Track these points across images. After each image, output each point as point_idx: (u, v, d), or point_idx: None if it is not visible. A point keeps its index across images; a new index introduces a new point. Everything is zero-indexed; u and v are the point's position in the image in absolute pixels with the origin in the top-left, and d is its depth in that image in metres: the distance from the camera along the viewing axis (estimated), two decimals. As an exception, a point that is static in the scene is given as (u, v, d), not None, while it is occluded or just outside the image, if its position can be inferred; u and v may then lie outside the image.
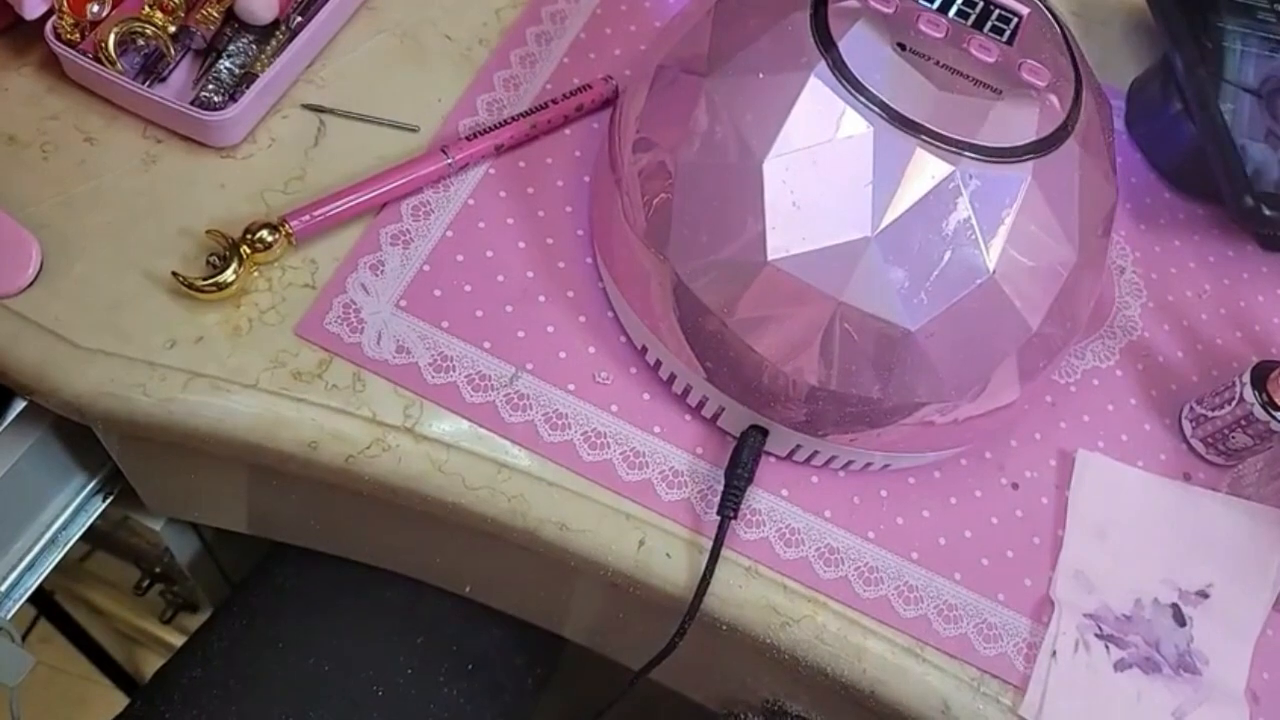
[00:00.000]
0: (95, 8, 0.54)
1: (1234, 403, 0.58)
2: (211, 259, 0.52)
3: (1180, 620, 0.55)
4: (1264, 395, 0.57)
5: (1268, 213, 0.62)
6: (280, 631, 0.66)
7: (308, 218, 0.52)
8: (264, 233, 0.51)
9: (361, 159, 0.57)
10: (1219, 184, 0.64)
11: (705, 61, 0.49)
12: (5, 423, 0.54)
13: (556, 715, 1.03)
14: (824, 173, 0.46)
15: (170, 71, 0.56)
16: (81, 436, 0.57)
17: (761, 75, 0.47)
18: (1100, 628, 0.54)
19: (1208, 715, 0.53)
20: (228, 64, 0.56)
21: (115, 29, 0.53)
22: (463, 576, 0.64)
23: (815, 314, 0.46)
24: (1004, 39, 0.49)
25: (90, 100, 0.55)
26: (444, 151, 0.56)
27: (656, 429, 0.53)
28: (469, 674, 0.67)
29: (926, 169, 0.45)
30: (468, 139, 0.57)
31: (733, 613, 0.51)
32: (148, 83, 0.55)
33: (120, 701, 0.81)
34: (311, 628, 0.66)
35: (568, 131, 0.61)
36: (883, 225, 0.45)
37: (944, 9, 0.49)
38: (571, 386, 0.53)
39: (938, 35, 0.48)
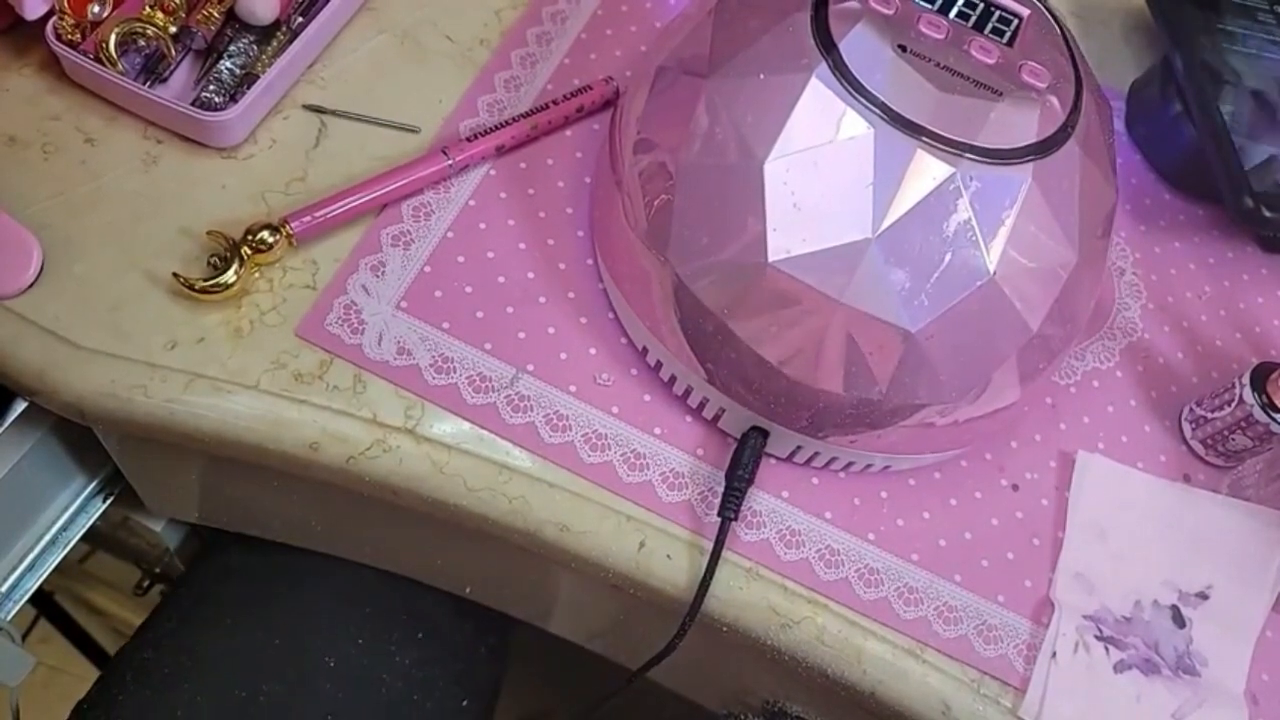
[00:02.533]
0: (96, 8, 0.54)
1: (1234, 404, 0.58)
2: (212, 260, 0.52)
3: (1180, 622, 0.56)
4: (1264, 397, 0.57)
5: (1267, 213, 0.62)
6: (228, 609, 0.67)
7: (309, 218, 0.52)
8: (265, 234, 0.51)
9: (362, 160, 0.57)
10: (1219, 184, 0.64)
11: (706, 62, 0.49)
12: (6, 424, 0.54)
13: (559, 713, 1.03)
14: (825, 174, 0.46)
15: (171, 72, 0.56)
16: (82, 437, 0.57)
17: (762, 76, 0.47)
18: (1100, 629, 0.54)
19: (1207, 716, 0.53)
20: (228, 64, 0.56)
21: (116, 29, 0.53)
22: (463, 577, 0.64)
23: (816, 315, 0.46)
24: (1004, 40, 0.49)
25: (91, 101, 0.55)
26: (444, 152, 0.56)
27: (657, 430, 0.53)
28: (420, 642, 0.68)
29: (927, 170, 0.45)
30: (468, 140, 0.57)
31: (733, 614, 0.51)
32: (148, 83, 0.55)
33: (120, 702, 0.81)
34: (259, 603, 0.67)
35: (568, 132, 0.61)
36: (883, 227, 0.45)
37: (944, 10, 0.49)
38: (572, 388, 0.53)
39: (938, 37, 0.48)
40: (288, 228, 0.52)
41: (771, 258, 0.46)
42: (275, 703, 0.62)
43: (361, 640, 0.66)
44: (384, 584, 0.68)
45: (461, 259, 0.55)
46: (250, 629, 0.65)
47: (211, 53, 0.57)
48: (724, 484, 0.52)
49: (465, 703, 0.69)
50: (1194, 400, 0.61)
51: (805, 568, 0.52)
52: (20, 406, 0.54)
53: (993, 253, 0.46)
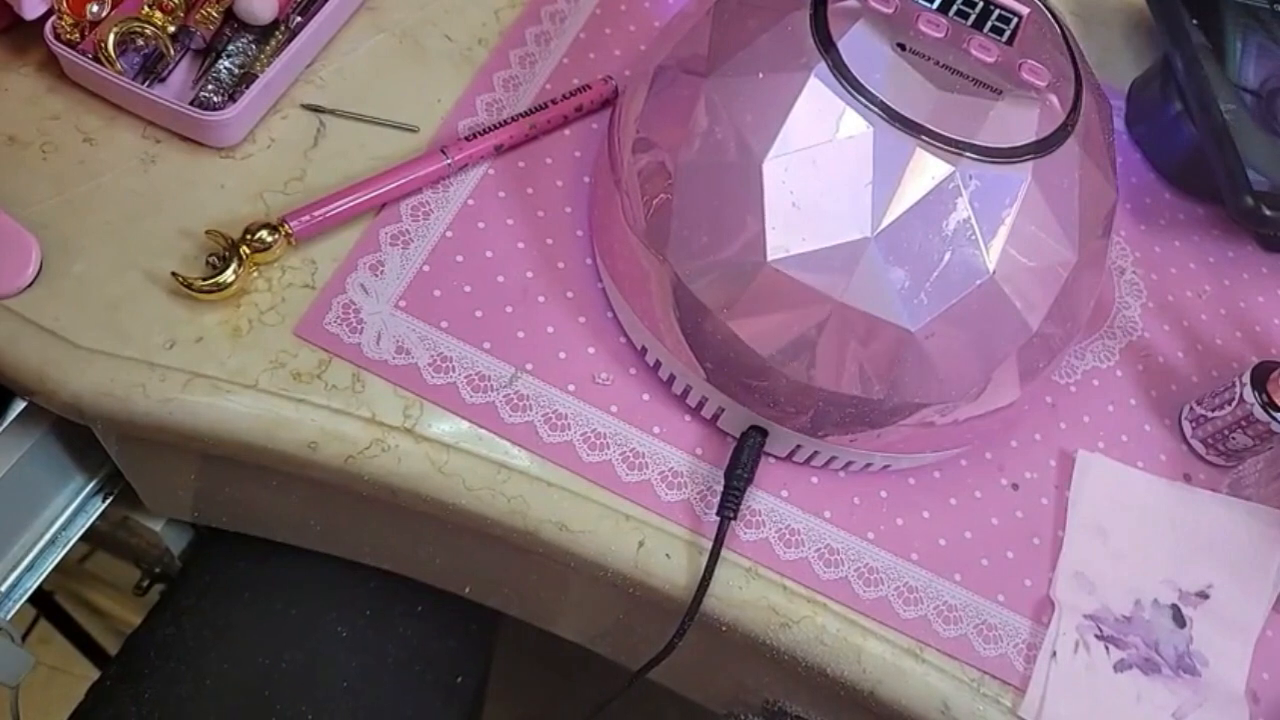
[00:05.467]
0: (95, 8, 0.54)
1: (1234, 403, 0.58)
2: (211, 259, 0.52)
3: (1180, 621, 0.55)
4: (1264, 396, 0.57)
5: (1268, 213, 0.62)
6: (243, 583, 0.69)
7: (307, 218, 0.52)
8: (263, 233, 0.51)
9: (361, 159, 0.57)
10: (1219, 184, 0.63)
11: (705, 62, 0.49)
12: (5, 423, 0.54)
13: (559, 713, 1.03)
14: (824, 173, 0.46)
15: (170, 71, 0.56)
16: (81, 437, 0.57)
17: (761, 75, 0.47)
18: (1100, 628, 0.54)
19: (1207, 716, 0.53)
20: (227, 64, 0.56)
21: (115, 29, 0.53)
22: (462, 577, 0.64)
23: (815, 314, 0.46)
24: (1004, 39, 0.49)
25: (90, 100, 0.55)
26: (443, 152, 0.56)
27: (656, 429, 0.53)
28: (419, 615, 0.70)
29: (926, 169, 0.45)
30: (467, 139, 0.57)
31: (733, 613, 0.51)
32: (147, 83, 0.55)
33: (120, 701, 0.81)
34: (273, 577, 0.68)
35: (567, 132, 0.61)
36: (883, 225, 0.45)
37: (944, 9, 0.49)
38: (571, 387, 0.53)
39: (938, 35, 0.48)
40: (286, 227, 0.52)
41: (770, 257, 0.46)
42: (298, 670, 0.64)
43: (369, 611, 0.68)
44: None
45: (460, 258, 0.55)
46: (268, 600, 0.67)
47: (210, 52, 0.57)
48: (723, 483, 0.52)
49: (460, 679, 0.70)
50: (1194, 399, 0.61)
51: (805, 567, 0.52)
52: (20, 406, 0.54)
53: (992, 252, 0.46)
